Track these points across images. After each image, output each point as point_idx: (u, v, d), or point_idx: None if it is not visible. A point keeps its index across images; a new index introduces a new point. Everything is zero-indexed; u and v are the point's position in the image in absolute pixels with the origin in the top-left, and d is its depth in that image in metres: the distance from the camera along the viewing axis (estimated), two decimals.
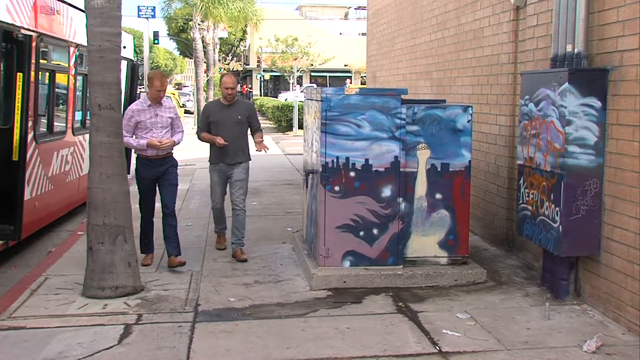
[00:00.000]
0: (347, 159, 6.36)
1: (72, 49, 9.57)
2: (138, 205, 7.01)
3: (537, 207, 6.06)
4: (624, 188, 5.34)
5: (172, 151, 7.12)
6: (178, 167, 7.22)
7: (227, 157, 7.38)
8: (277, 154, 19.65)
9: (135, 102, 6.96)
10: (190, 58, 54.29)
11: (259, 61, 58.47)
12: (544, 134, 5.93)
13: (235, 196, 7.43)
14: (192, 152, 15.11)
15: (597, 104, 5.59)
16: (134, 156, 7.37)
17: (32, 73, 7.69)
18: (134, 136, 6.89)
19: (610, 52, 5.52)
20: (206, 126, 7.45)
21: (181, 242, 7.08)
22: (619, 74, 5.42)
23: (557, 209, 5.69)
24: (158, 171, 6.95)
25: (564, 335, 5.20)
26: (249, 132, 7.63)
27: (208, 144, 7.56)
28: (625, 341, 5.09)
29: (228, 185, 7.53)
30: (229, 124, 7.34)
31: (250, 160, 7.64)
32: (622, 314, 5.36)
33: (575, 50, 5.82)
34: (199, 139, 7.57)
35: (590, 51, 5.78)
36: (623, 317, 5.35)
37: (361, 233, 6.41)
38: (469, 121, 6.51)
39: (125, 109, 7.92)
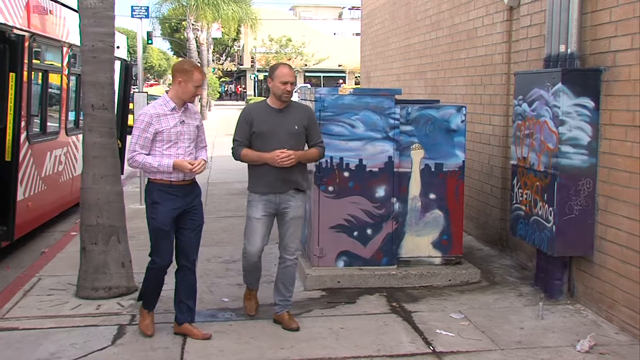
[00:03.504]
0: (341, 159, 6.35)
1: (65, 49, 9.54)
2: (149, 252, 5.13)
3: (531, 207, 6.07)
4: (617, 188, 5.35)
5: None
6: None
7: (281, 184, 5.24)
8: None
9: (152, 105, 5.02)
10: (184, 58, 54.29)
11: (252, 61, 58.54)
12: (538, 134, 5.94)
13: (288, 240, 5.37)
14: None
15: (590, 104, 5.60)
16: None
17: (25, 73, 7.66)
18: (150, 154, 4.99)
19: (603, 53, 5.53)
20: (247, 139, 5.24)
21: None
22: (611, 74, 5.43)
23: (550, 208, 5.71)
24: (184, 202, 5.03)
25: (558, 335, 5.21)
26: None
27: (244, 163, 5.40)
28: (619, 340, 5.10)
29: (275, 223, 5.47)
30: (283, 137, 5.19)
31: (310, 188, 5.73)
32: (615, 313, 5.38)
33: (569, 51, 5.84)
34: (237, 159, 5.31)
35: (583, 51, 5.79)
36: (616, 316, 5.36)
37: (355, 233, 6.41)
38: (462, 121, 6.51)
39: (119, 109, 7.82)
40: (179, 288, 5.21)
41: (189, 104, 5.10)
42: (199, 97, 33.74)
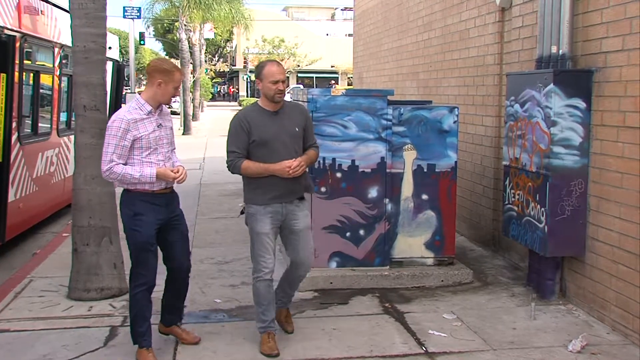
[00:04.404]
0: (334, 160, 6.35)
1: (56, 50, 9.51)
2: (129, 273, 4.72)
3: (523, 207, 6.08)
4: (609, 188, 5.37)
5: None
6: None
7: (288, 193, 4.81)
8: None
9: (126, 109, 4.58)
10: (177, 59, 54.29)
11: (245, 62, 58.55)
12: (530, 135, 5.96)
13: (303, 255, 4.92)
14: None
15: (582, 105, 5.62)
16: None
17: (16, 74, 7.64)
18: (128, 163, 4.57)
19: (595, 54, 5.55)
20: (246, 149, 4.74)
21: None
22: (603, 75, 5.45)
23: (542, 209, 5.72)
24: (167, 212, 4.66)
25: (550, 335, 5.23)
26: None
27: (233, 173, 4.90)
28: (610, 340, 5.12)
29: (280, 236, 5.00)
30: (287, 142, 4.77)
31: (313, 191, 5.35)
32: (606, 313, 5.40)
33: (560, 52, 5.86)
34: (236, 172, 4.79)
35: (575, 52, 5.81)
36: (608, 316, 5.38)
37: (348, 234, 6.41)
38: (455, 122, 6.52)
39: (111, 110, 7.76)
40: (170, 294, 4.91)
41: (164, 105, 4.71)
42: (192, 98, 33.66)
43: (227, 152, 4.78)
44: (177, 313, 5.01)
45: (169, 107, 4.91)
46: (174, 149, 4.87)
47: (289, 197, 4.82)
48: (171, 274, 4.84)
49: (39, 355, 4.84)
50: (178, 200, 4.86)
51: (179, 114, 33.64)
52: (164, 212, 4.63)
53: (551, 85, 5.60)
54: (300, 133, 4.87)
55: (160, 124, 4.64)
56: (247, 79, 61.93)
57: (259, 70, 4.81)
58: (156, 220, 4.58)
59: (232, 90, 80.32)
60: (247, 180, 4.85)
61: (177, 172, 4.58)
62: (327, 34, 66.18)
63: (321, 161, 6.33)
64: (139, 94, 4.62)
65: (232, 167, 4.76)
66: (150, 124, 4.56)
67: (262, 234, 4.76)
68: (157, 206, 4.58)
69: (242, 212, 4.95)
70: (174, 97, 4.68)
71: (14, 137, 7.67)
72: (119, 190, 5.58)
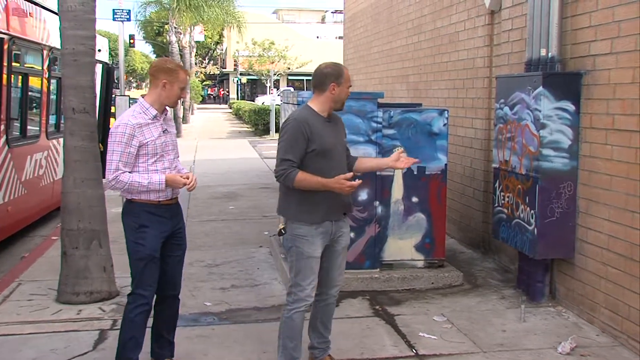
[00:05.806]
0: None
1: (45, 52, 9.47)
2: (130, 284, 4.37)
3: (513, 210, 6.10)
4: (598, 191, 5.39)
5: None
6: None
7: (340, 208, 4.37)
8: (254, 157, 19.63)
9: (129, 114, 4.21)
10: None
11: (235, 64, 58.42)
12: (519, 138, 5.98)
13: (336, 273, 4.47)
14: None
15: (571, 107, 5.64)
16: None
17: (4, 76, 7.60)
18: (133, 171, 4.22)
19: (583, 57, 5.58)
20: (302, 158, 4.17)
21: None
22: (591, 78, 5.48)
23: (532, 211, 5.74)
24: (172, 225, 4.37)
25: (539, 337, 5.24)
26: None
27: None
28: (599, 342, 5.14)
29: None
30: (340, 153, 4.36)
31: (352, 211, 4.71)
32: (596, 315, 5.42)
33: (549, 55, 5.88)
34: (289, 184, 4.17)
35: (563, 55, 5.84)
36: (597, 318, 5.40)
37: None
38: (445, 125, 6.54)
39: (100, 113, 7.72)
40: (160, 321, 4.53)
41: (167, 110, 4.36)
42: (182, 100, 33.57)
43: (280, 159, 4.20)
44: (169, 347, 4.59)
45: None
46: (178, 156, 4.55)
47: (339, 213, 4.36)
48: (159, 293, 4.47)
49: (28, 359, 4.81)
50: (182, 212, 4.56)
51: None
52: (168, 225, 4.34)
53: (540, 88, 5.63)
54: (346, 144, 4.52)
55: (166, 130, 4.31)
56: (237, 81, 61.84)
57: (337, 73, 4.29)
58: (161, 233, 4.29)
59: (222, 92, 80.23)
60: (293, 194, 4.26)
61: (187, 178, 4.26)
62: (318, 37, 66.25)
63: None
64: (142, 97, 4.32)
65: (285, 177, 4.15)
66: (155, 129, 4.22)
67: (313, 258, 4.27)
68: (162, 218, 4.28)
69: (280, 233, 4.44)
70: (180, 99, 4.37)
71: (2, 140, 7.64)
72: (108, 194, 5.53)
